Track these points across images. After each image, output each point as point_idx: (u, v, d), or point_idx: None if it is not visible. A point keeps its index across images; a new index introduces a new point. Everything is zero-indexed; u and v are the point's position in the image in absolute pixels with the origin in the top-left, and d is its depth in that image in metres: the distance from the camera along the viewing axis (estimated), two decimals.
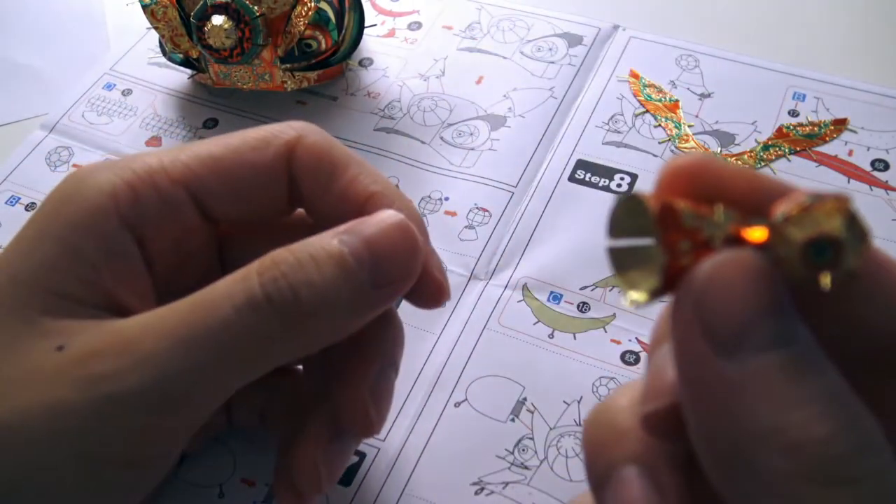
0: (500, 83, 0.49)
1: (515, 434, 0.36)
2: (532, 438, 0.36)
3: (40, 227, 0.27)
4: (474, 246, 0.42)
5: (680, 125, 0.46)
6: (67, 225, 0.26)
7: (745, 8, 0.53)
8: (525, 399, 0.37)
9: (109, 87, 0.52)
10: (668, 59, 0.49)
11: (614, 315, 0.39)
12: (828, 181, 0.43)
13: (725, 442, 0.17)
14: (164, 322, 0.25)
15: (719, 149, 0.45)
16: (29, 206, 0.46)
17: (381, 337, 0.30)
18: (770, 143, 0.45)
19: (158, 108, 0.50)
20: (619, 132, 0.46)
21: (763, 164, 0.44)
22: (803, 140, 0.45)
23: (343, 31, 0.47)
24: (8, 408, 0.24)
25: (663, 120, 0.46)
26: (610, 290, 0.40)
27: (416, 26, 0.53)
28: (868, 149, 0.44)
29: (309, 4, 0.44)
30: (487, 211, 0.43)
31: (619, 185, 0.44)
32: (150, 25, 0.46)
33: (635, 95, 0.48)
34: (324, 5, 0.45)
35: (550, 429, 0.36)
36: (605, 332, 0.39)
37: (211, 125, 0.49)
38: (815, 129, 0.45)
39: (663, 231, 0.18)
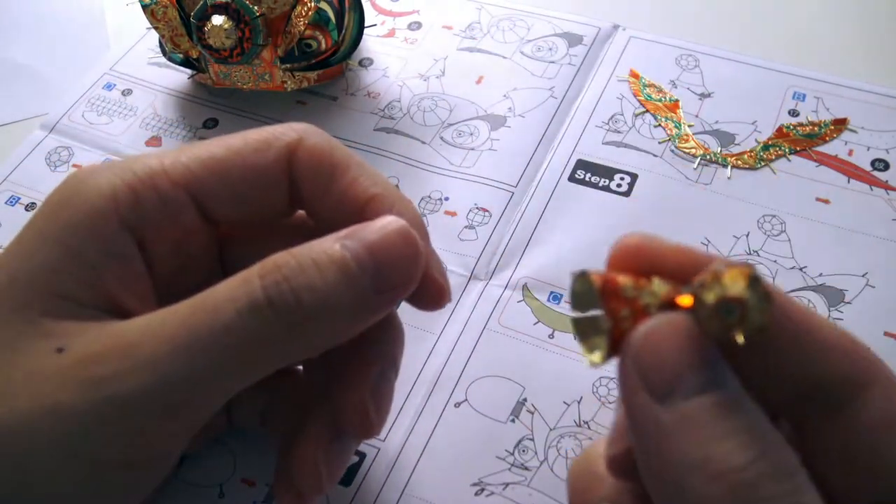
0: (500, 83, 0.49)
1: (515, 435, 0.36)
2: (532, 439, 0.36)
3: (40, 228, 0.27)
4: (474, 246, 0.42)
5: (680, 125, 0.46)
6: (67, 226, 0.26)
7: (745, 8, 0.53)
8: (525, 399, 0.37)
9: (109, 87, 0.52)
10: (668, 58, 0.49)
11: None
12: (828, 181, 0.43)
13: (663, 475, 0.20)
14: (164, 325, 0.25)
15: (719, 148, 0.45)
16: (29, 206, 0.46)
17: (382, 339, 0.30)
18: (770, 142, 0.45)
19: (158, 108, 0.50)
20: (619, 132, 0.46)
21: (763, 163, 0.44)
22: (803, 140, 0.45)
23: (343, 31, 0.47)
24: (8, 409, 0.24)
25: (663, 120, 0.46)
26: None
27: (416, 26, 0.53)
28: (868, 148, 0.44)
29: (309, 4, 0.44)
30: (487, 211, 0.43)
31: (619, 185, 0.44)
32: (150, 25, 0.46)
33: (635, 95, 0.48)
34: (324, 5, 0.45)
35: (550, 429, 0.36)
36: None
37: (211, 125, 0.49)
38: (816, 128, 0.45)
39: (606, 302, 0.22)
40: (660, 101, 0.47)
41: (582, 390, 0.37)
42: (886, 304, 0.39)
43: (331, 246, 0.26)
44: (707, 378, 0.21)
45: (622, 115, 0.47)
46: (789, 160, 0.44)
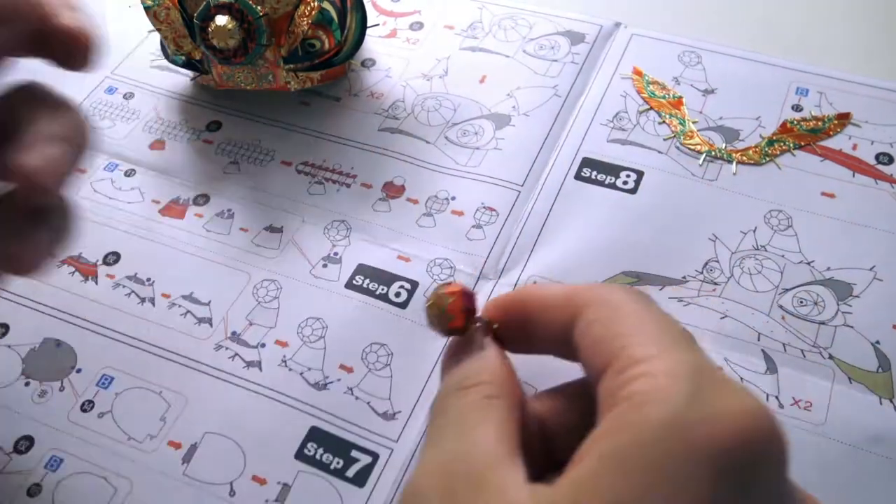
0: (504, 82, 0.49)
1: None
2: None
3: None
4: (482, 245, 0.42)
5: (684, 121, 0.46)
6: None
7: (747, 3, 0.53)
8: None
9: (111, 90, 0.52)
10: (671, 55, 0.49)
11: None
12: (833, 175, 0.43)
13: None
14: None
15: (724, 144, 0.45)
16: None
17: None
18: (775, 138, 0.45)
19: (161, 112, 0.50)
20: (623, 129, 0.46)
21: (768, 159, 0.44)
22: (807, 135, 0.45)
23: (346, 31, 0.47)
24: None
25: (667, 117, 0.46)
26: None
27: (417, 26, 0.53)
28: (872, 143, 0.44)
29: (312, 4, 0.44)
30: (494, 210, 0.43)
31: (625, 183, 0.44)
32: (151, 28, 0.46)
33: (639, 92, 0.48)
34: (326, 5, 0.45)
35: None
36: None
37: (214, 128, 0.49)
38: (819, 123, 0.45)
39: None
40: (663, 98, 0.47)
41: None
42: (895, 297, 0.39)
43: None
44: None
45: (626, 112, 0.47)
46: (794, 155, 0.44)
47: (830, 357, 0.37)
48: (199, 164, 0.47)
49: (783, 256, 0.41)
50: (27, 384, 0.39)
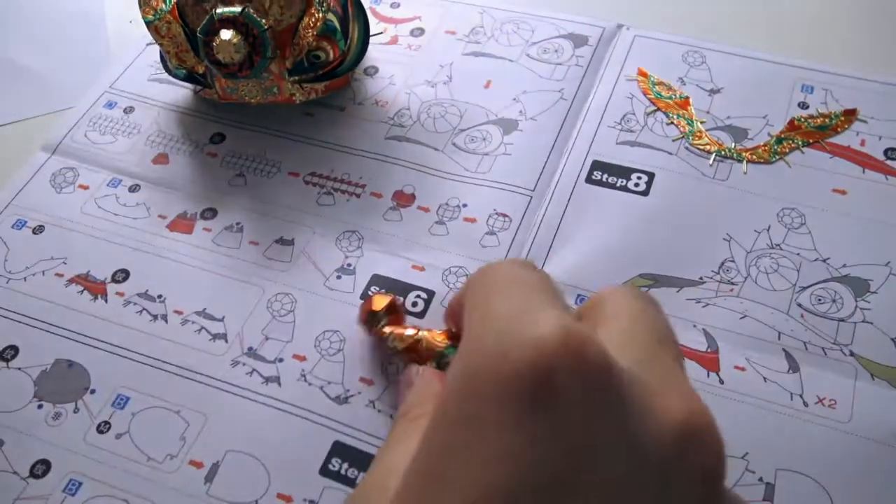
0: (509, 86, 0.49)
1: None
2: None
3: None
4: (497, 252, 0.42)
5: (692, 122, 0.46)
6: None
7: (748, 2, 0.53)
8: None
9: (110, 105, 0.51)
10: (675, 56, 0.49)
11: None
12: (843, 172, 0.43)
13: None
14: None
15: (733, 143, 0.45)
16: (37, 230, 0.45)
17: None
18: (783, 136, 0.45)
19: (162, 125, 0.50)
20: (632, 131, 0.46)
21: (778, 157, 0.44)
22: (815, 132, 0.45)
23: (348, 41, 0.47)
24: None
25: (675, 117, 0.46)
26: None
27: (418, 32, 0.53)
28: (880, 138, 0.45)
29: (317, 15, 0.44)
30: (507, 216, 0.43)
31: (636, 185, 0.44)
32: (149, 41, 0.45)
33: (645, 94, 0.48)
34: (330, 16, 0.45)
35: None
36: None
37: (218, 140, 0.48)
38: (827, 120, 0.45)
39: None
40: (670, 98, 0.47)
41: None
42: None
43: None
44: None
45: (633, 114, 0.47)
46: (803, 153, 0.44)
47: (851, 354, 0.37)
48: (205, 178, 0.47)
49: (798, 254, 0.41)
50: (40, 406, 0.39)
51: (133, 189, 0.47)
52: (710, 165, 0.44)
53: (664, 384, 0.24)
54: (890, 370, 0.37)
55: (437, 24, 0.53)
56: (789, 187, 0.43)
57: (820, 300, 0.39)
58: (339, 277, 0.41)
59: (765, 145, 0.45)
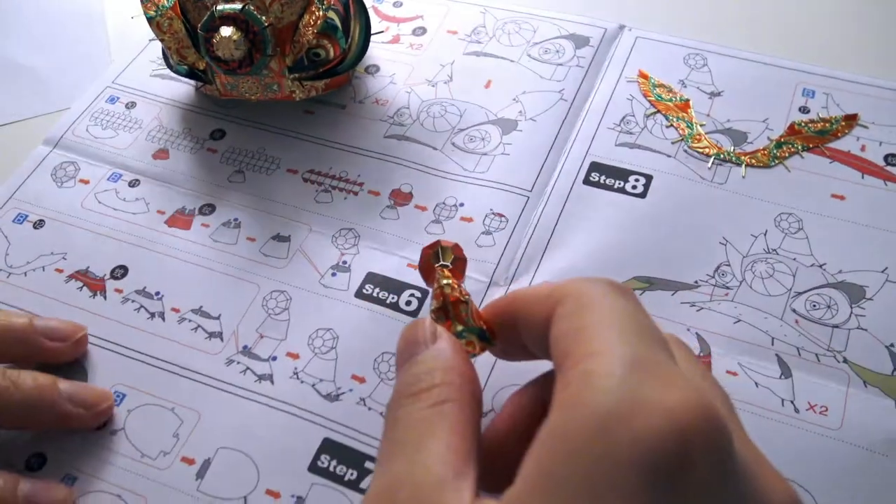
0: (509, 86, 0.49)
1: None
2: None
3: None
4: (492, 252, 0.42)
5: (692, 124, 0.46)
6: None
7: (751, 5, 0.53)
8: None
9: (112, 100, 0.51)
10: (676, 58, 0.49)
11: None
12: (842, 177, 0.43)
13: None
14: None
15: (732, 147, 0.45)
16: (37, 224, 0.45)
17: None
18: (783, 140, 0.45)
19: (164, 121, 0.50)
20: (631, 133, 0.46)
21: (777, 161, 0.44)
22: (815, 137, 0.45)
23: (349, 39, 0.47)
24: None
25: (675, 119, 0.46)
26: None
27: (420, 31, 0.53)
28: (880, 144, 0.44)
29: (317, 13, 0.44)
30: (503, 216, 0.43)
31: (634, 187, 0.44)
32: (152, 37, 0.45)
33: (645, 96, 0.47)
34: (331, 13, 0.45)
35: None
36: None
37: (218, 136, 0.49)
38: (827, 125, 0.45)
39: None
40: (670, 101, 0.47)
41: None
42: None
43: None
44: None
45: (633, 115, 0.47)
46: (802, 157, 0.44)
47: (845, 360, 0.37)
48: (204, 173, 0.47)
49: (795, 259, 0.40)
50: None
51: (133, 184, 0.47)
52: (709, 168, 0.44)
53: (758, 457, 0.23)
54: (883, 378, 0.37)
55: (440, 23, 0.53)
56: (787, 192, 0.43)
57: (815, 306, 0.39)
58: (333, 275, 0.42)
59: (764, 149, 0.45)
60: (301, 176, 0.46)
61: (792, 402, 0.36)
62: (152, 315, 0.41)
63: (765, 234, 0.41)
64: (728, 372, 0.37)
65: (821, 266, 0.40)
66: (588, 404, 0.21)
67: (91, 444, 0.37)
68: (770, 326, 0.38)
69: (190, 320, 0.41)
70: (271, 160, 0.47)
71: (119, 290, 0.42)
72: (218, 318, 0.41)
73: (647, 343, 0.23)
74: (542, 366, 0.29)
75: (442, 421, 0.24)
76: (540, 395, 0.28)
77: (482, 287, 0.41)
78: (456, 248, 0.33)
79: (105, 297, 0.42)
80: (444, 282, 0.31)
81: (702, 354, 0.38)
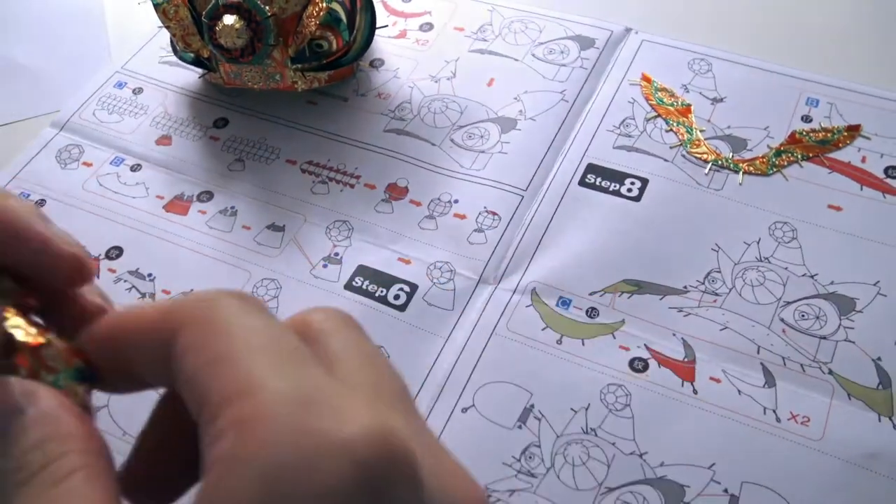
0: (511, 85, 0.49)
1: (522, 441, 0.36)
2: (539, 446, 0.36)
3: None
4: (483, 249, 0.42)
5: (692, 130, 0.46)
6: None
7: (759, 12, 0.52)
8: (532, 406, 0.37)
9: (120, 85, 0.52)
10: (681, 62, 0.49)
11: (623, 321, 0.39)
12: (841, 188, 0.43)
13: None
14: None
15: (731, 154, 0.44)
16: (38, 203, 0.46)
17: None
18: (783, 148, 0.44)
19: (169, 107, 0.50)
20: (630, 136, 0.46)
21: (775, 170, 0.44)
22: (816, 146, 0.44)
23: (354, 32, 0.47)
24: None
25: (675, 124, 0.46)
26: (619, 296, 0.40)
27: (427, 27, 0.53)
28: (881, 156, 0.44)
29: (320, 5, 0.44)
30: (497, 214, 0.43)
31: (629, 190, 0.43)
32: (161, 25, 0.46)
33: (647, 99, 0.47)
34: (335, 6, 0.45)
35: (557, 436, 0.36)
36: (614, 338, 0.38)
37: (221, 124, 0.49)
38: (829, 135, 0.45)
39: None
40: (671, 105, 0.47)
41: (590, 397, 0.37)
42: None
43: None
44: None
45: (633, 119, 0.46)
46: (801, 166, 0.44)
47: (830, 372, 0.37)
48: (205, 161, 0.47)
49: (786, 269, 0.40)
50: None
51: (135, 168, 0.47)
52: (706, 174, 0.44)
53: (439, 459, 0.21)
54: (868, 391, 0.36)
55: (447, 20, 0.53)
56: (784, 201, 0.43)
57: (804, 316, 0.39)
58: (325, 266, 0.42)
59: (763, 157, 0.44)
60: (300, 167, 0.46)
61: (774, 410, 0.36)
62: (143, 295, 0.42)
63: (758, 243, 0.41)
64: (711, 378, 0.37)
65: (812, 276, 0.40)
66: (254, 460, 0.18)
67: None
68: (757, 335, 0.38)
69: None
70: (271, 150, 0.47)
71: (112, 270, 0.43)
72: None
73: (303, 367, 0.20)
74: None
75: (76, 500, 0.19)
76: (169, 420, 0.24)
77: (471, 285, 0.41)
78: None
79: (98, 276, 0.43)
80: (12, 324, 0.22)
81: (686, 360, 0.38)
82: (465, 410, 0.37)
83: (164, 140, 0.49)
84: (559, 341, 0.38)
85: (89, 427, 0.21)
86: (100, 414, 0.38)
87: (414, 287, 0.41)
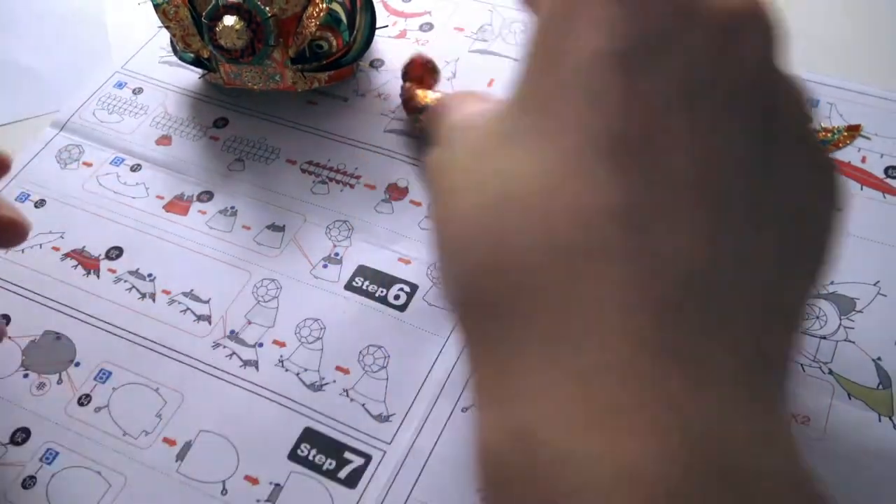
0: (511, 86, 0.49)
1: None
2: None
3: None
4: None
5: None
6: None
7: None
8: None
9: (120, 85, 0.52)
10: None
11: None
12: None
13: None
14: None
15: None
16: (38, 203, 0.46)
17: None
18: None
19: (169, 108, 0.50)
20: None
21: None
22: None
23: (354, 33, 0.47)
24: None
25: None
26: None
27: (427, 27, 0.53)
28: (881, 156, 0.44)
29: (321, 5, 0.44)
30: None
31: None
32: (160, 24, 0.46)
33: None
34: (335, 6, 0.45)
35: None
36: None
37: (221, 124, 0.49)
38: (829, 135, 0.45)
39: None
40: None
41: None
42: None
43: None
44: None
45: None
46: None
47: (830, 372, 0.37)
48: (205, 161, 0.47)
49: None
50: (26, 376, 0.39)
51: (135, 168, 0.47)
52: None
53: None
54: (868, 391, 0.36)
55: (447, 20, 0.53)
56: None
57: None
58: (325, 266, 0.42)
59: None
60: (300, 167, 0.46)
61: None
62: (143, 295, 0.42)
63: None
64: None
65: None
66: None
67: (75, 421, 0.38)
68: None
69: (180, 302, 0.41)
70: (272, 150, 0.47)
71: (112, 270, 0.43)
72: (207, 301, 0.41)
73: None
74: None
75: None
76: None
77: None
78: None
79: (98, 277, 0.43)
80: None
81: None
82: (465, 410, 0.37)
83: (164, 140, 0.49)
84: None
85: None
86: (100, 414, 0.38)
87: (414, 287, 0.41)
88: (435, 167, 0.24)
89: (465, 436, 0.36)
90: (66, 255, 0.44)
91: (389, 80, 0.50)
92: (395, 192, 0.45)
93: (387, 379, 0.38)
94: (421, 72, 0.45)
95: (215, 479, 0.36)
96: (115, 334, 0.40)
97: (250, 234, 0.44)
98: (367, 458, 0.36)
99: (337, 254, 0.42)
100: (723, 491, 0.17)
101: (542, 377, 0.18)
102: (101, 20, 0.56)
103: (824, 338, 0.38)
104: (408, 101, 0.45)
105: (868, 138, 0.45)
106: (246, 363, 0.39)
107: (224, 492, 0.35)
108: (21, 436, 0.38)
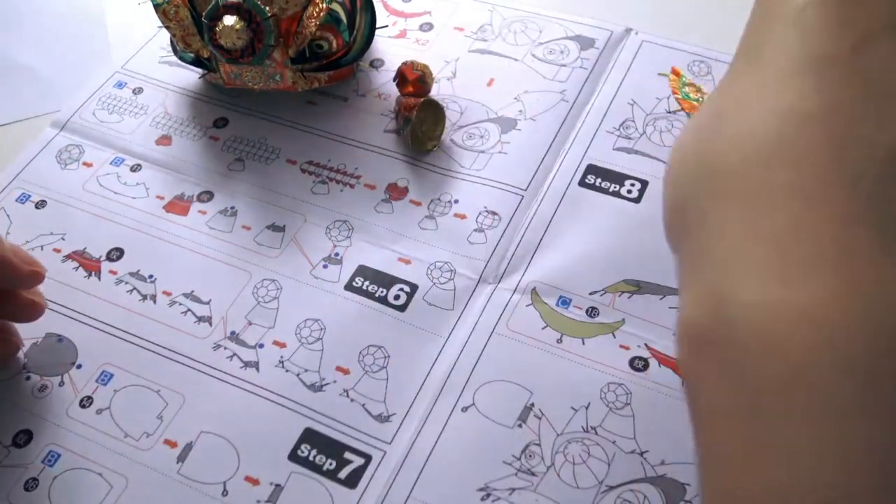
0: (511, 85, 0.49)
1: (522, 440, 0.36)
2: (539, 444, 0.36)
3: None
4: (483, 249, 0.42)
5: None
6: None
7: None
8: (533, 405, 0.37)
9: (120, 85, 0.52)
10: (681, 64, 0.49)
11: (623, 320, 0.39)
12: None
13: None
14: None
15: None
16: (39, 204, 0.46)
17: None
18: None
19: (169, 107, 0.50)
20: (629, 138, 0.46)
21: None
22: None
23: (354, 33, 0.47)
24: None
25: None
26: (619, 296, 0.40)
27: (427, 27, 0.53)
28: None
29: (321, 5, 0.44)
30: (497, 214, 0.43)
31: (629, 192, 0.43)
32: (160, 24, 0.46)
33: (674, 93, 0.47)
34: (335, 6, 0.45)
35: (558, 435, 0.36)
36: (614, 337, 0.39)
37: (221, 124, 0.49)
38: None
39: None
40: (697, 100, 0.47)
41: (590, 396, 0.37)
42: None
43: None
44: None
45: (633, 121, 0.46)
46: None
47: None
48: (205, 161, 0.47)
49: None
50: (28, 378, 0.40)
51: (135, 168, 0.47)
52: None
53: None
54: None
55: (447, 19, 0.53)
56: None
57: None
58: (325, 266, 0.42)
59: None
60: (300, 167, 0.46)
61: None
62: (144, 297, 0.42)
63: None
64: None
65: None
66: None
67: (77, 423, 0.38)
68: None
69: (180, 304, 0.41)
70: (272, 150, 0.47)
71: (113, 272, 0.43)
72: (208, 303, 0.41)
73: None
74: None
75: None
76: None
77: (471, 284, 0.41)
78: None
79: (99, 278, 0.43)
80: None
81: None
82: (465, 409, 0.37)
83: (164, 140, 0.49)
84: (559, 340, 0.39)
85: None
86: (101, 416, 0.38)
87: (414, 287, 0.41)
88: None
89: (465, 434, 0.36)
90: (68, 257, 0.44)
91: (389, 79, 0.50)
92: (395, 192, 0.45)
93: (387, 379, 0.38)
94: (410, 80, 0.46)
95: (216, 481, 0.36)
96: (117, 336, 0.40)
97: (250, 234, 0.44)
98: (368, 458, 0.36)
99: (337, 254, 0.42)
100: None
101: (737, 244, 0.21)
102: (101, 20, 0.56)
103: None
104: (397, 111, 0.46)
105: None
106: (246, 364, 0.39)
107: (225, 493, 0.35)
108: (23, 437, 0.38)
